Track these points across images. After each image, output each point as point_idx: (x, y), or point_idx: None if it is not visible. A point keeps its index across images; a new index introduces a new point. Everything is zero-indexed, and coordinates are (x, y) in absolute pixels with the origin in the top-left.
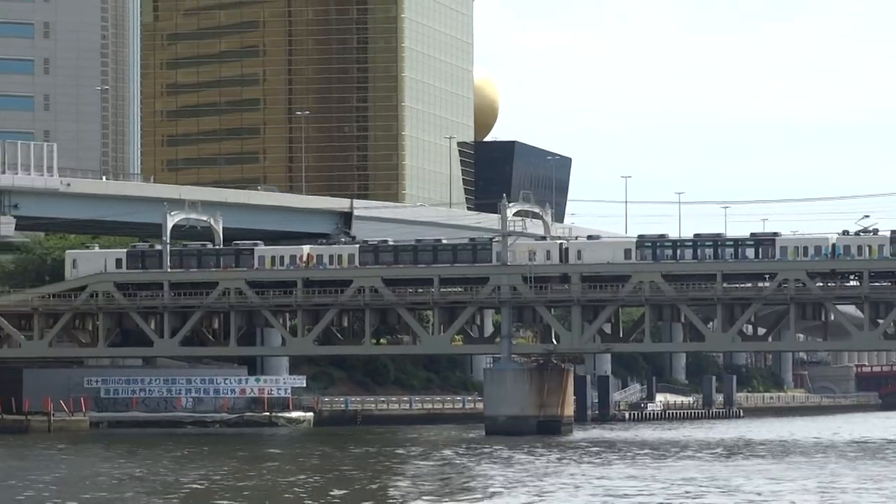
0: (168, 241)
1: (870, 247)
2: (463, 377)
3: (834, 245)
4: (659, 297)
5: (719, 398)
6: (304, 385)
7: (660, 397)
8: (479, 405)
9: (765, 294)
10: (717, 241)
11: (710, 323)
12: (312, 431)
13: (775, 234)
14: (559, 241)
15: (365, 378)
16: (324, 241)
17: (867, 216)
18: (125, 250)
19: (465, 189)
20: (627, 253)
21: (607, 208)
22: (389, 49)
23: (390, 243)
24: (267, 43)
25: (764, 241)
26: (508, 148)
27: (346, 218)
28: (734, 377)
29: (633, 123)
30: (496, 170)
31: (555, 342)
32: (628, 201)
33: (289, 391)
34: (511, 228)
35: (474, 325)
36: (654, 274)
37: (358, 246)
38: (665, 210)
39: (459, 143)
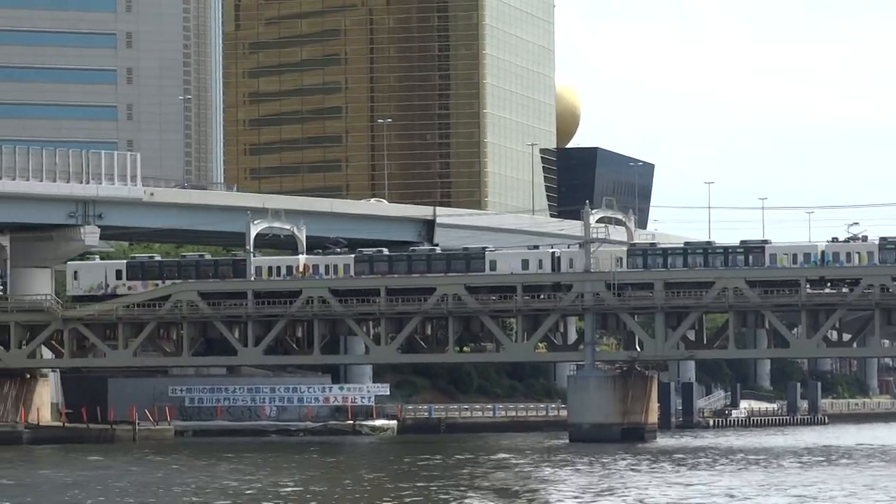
0: (251, 250)
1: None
2: (546, 384)
3: (823, 252)
4: (743, 303)
5: (804, 405)
6: (388, 393)
7: (744, 404)
8: (563, 413)
9: (849, 300)
10: (707, 249)
11: (795, 329)
12: (396, 440)
13: (765, 241)
14: (551, 250)
15: (448, 386)
16: (317, 251)
17: (856, 223)
18: (125, 261)
19: (547, 196)
20: (619, 261)
21: (690, 214)
22: (471, 56)
23: (385, 253)
24: (349, 51)
25: (754, 249)
26: (591, 154)
27: (429, 225)
28: (819, 383)
29: (716, 128)
30: (579, 176)
31: (638, 349)
32: (711, 207)
33: (372, 399)
34: (594, 235)
35: (558, 332)
36: (738, 280)
37: (353, 256)
38: (748, 216)
39: (542, 150)
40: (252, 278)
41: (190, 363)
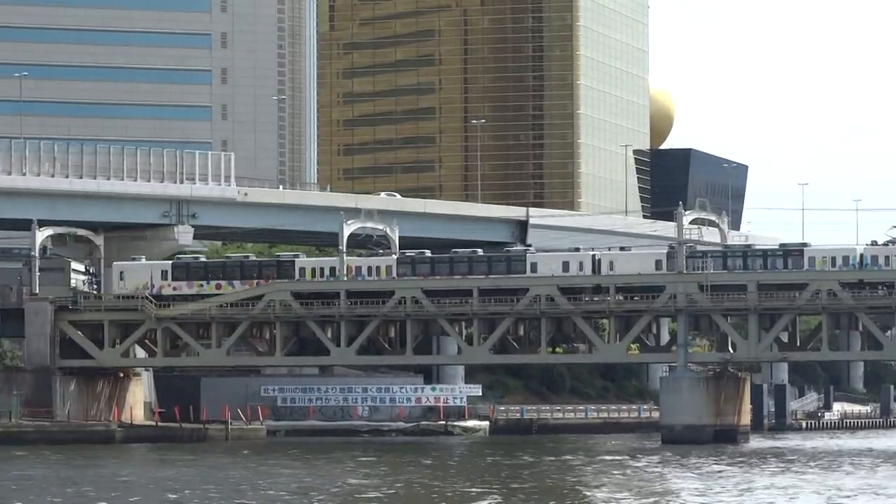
0: (344, 250)
1: None
2: (639, 386)
3: (862, 255)
4: (836, 305)
5: None
6: (480, 394)
7: (837, 406)
8: (655, 414)
9: None
10: (746, 252)
11: (889, 331)
12: (488, 440)
13: (804, 244)
14: (592, 252)
15: (540, 387)
16: (360, 252)
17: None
18: (171, 262)
19: (640, 197)
20: (658, 264)
21: (784, 216)
22: (565, 57)
23: (427, 255)
24: (443, 52)
25: (793, 252)
26: (684, 155)
27: (522, 226)
28: None
29: (809, 130)
30: (672, 178)
31: (731, 351)
32: (805, 209)
33: (464, 400)
34: (687, 236)
35: (650, 333)
36: (831, 282)
37: (395, 258)
38: (843, 217)
39: (635, 151)
40: (342, 278)
41: (283, 363)
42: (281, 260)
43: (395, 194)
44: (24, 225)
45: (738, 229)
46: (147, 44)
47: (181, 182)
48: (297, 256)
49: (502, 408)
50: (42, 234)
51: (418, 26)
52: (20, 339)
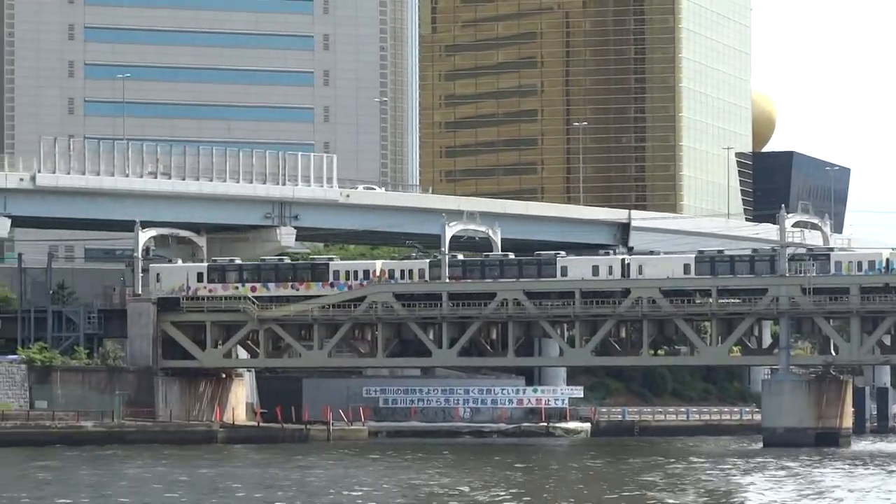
0: (447, 253)
1: None
2: (740, 388)
3: (888, 259)
4: None
5: None
6: (582, 396)
7: None
8: (757, 417)
9: None
10: (773, 256)
11: None
12: (590, 442)
13: (830, 249)
14: (622, 257)
15: (642, 389)
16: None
17: None
18: (206, 264)
19: (742, 200)
20: (687, 268)
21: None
22: (667, 59)
23: (459, 258)
24: (545, 54)
25: (819, 256)
26: (787, 158)
27: (624, 229)
28: None
29: None
30: (774, 180)
31: (833, 353)
32: None
33: (566, 402)
34: (789, 239)
35: (752, 336)
36: None
37: (428, 261)
38: None
39: (737, 154)
40: (444, 280)
41: (384, 364)
42: (315, 262)
43: (374, 187)
44: (128, 226)
45: (841, 232)
46: (249, 45)
47: (283, 183)
48: (331, 259)
49: (604, 410)
50: (145, 236)
51: (520, 28)
52: (123, 339)
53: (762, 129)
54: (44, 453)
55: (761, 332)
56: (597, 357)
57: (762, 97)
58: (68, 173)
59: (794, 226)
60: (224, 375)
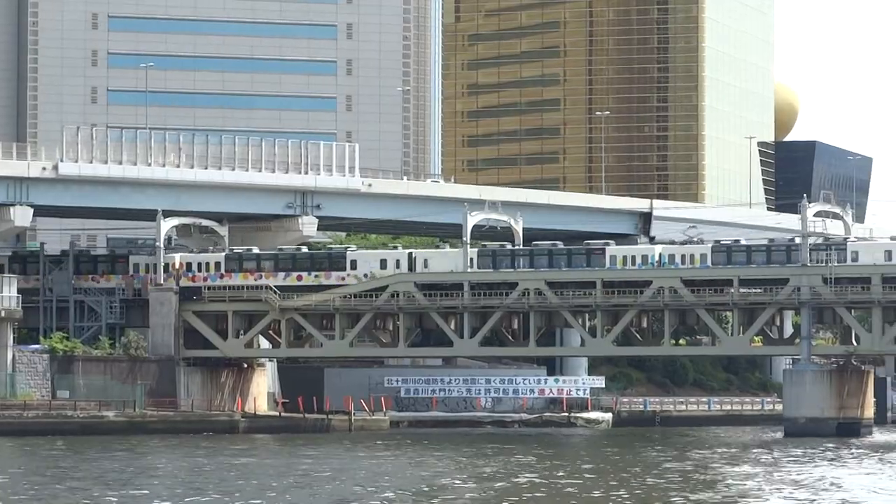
0: (468, 242)
1: None
2: (762, 378)
3: None
4: None
5: None
6: (603, 385)
7: None
8: (778, 406)
9: None
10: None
11: None
12: (612, 432)
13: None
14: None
15: (663, 379)
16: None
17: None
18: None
19: (764, 189)
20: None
21: None
22: (690, 49)
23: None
24: (567, 43)
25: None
26: (809, 148)
27: (646, 218)
28: None
29: None
30: (796, 170)
31: (855, 343)
32: None
33: (588, 392)
34: (811, 229)
35: (774, 326)
36: None
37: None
38: None
39: (759, 143)
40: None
41: (406, 354)
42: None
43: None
44: (150, 216)
45: (863, 222)
46: (272, 34)
47: (305, 173)
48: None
49: (625, 400)
50: (167, 225)
51: (543, 18)
52: (145, 329)
53: (784, 118)
54: (101, 441)
55: (783, 322)
56: (618, 347)
57: (784, 87)
58: (91, 162)
59: (815, 215)
60: (246, 365)
